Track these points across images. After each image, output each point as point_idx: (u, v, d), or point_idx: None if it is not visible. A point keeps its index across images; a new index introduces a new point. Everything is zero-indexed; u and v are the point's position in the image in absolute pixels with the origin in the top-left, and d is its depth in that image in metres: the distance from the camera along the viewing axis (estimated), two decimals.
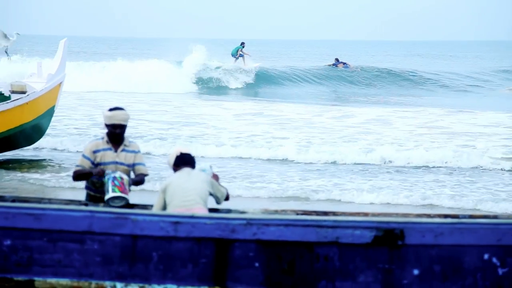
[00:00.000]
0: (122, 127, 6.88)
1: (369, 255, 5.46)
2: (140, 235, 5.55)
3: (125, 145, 6.95)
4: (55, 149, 16.48)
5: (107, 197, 6.64)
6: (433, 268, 5.46)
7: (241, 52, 38.11)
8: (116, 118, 6.86)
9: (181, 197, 6.26)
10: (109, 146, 6.91)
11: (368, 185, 13.05)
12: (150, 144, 16.72)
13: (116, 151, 6.91)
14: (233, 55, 38.43)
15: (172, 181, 6.38)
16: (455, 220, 5.54)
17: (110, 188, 6.66)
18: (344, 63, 42.15)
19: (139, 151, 7.02)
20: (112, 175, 6.72)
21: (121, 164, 6.89)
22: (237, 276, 5.52)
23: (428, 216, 6.52)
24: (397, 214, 6.65)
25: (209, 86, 36.01)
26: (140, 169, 6.98)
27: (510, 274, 5.46)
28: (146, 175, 7.02)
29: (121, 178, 6.72)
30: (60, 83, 15.15)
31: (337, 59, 42.88)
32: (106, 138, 6.93)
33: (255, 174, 13.98)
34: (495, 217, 6.38)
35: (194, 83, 35.88)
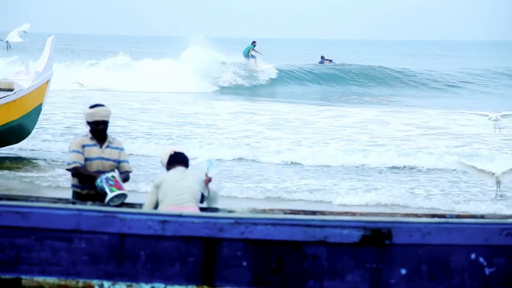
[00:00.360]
0: (105, 123, 6.93)
1: (356, 255, 5.47)
2: (128, 234, 5.54)
3: (109, 142, 7.01)
4: (42, 147, 16.38)
5: (108, 198, 6.66)
6: (421, 267, 5.48)
7: (252, 52, 35.63)
8: (98, 114, 6.89)
9: (174, 195, 6.30)
10: (94, 142, 6.95)
11: (361, 185, 13.08)
12: (138, 142, 16.68)
13: (101, 147, 6.95)
14: (244, 55, 35.97)
15: (166, 178, 6.40)
16: (443, 220, 5.56)
17: (107, 189, 6.69)
18: (330, 60, 42.09)
19: (123, 148, 7.09)
20: (104, 176, 6.74)
21: (107, 160, 6.93)
22: (225, 275, 5.51)
23: (416, 215, 6.54)
24: (384, 214, 6.67)
25: (206, 84, 35.43)
26: (124, 167, 7.04)
27: (497, 274, 5.48)
28: (130, 172, 7.07)
29: (113, 177, 6.76)
30: (48, 80, 15.09)
31: (322, 57, 42.78)
32: (90, 135, 6.96)
33: (246, 174, 13.97)
34: (482, 217, 6.40)
35: (191, 82, 35.07)
